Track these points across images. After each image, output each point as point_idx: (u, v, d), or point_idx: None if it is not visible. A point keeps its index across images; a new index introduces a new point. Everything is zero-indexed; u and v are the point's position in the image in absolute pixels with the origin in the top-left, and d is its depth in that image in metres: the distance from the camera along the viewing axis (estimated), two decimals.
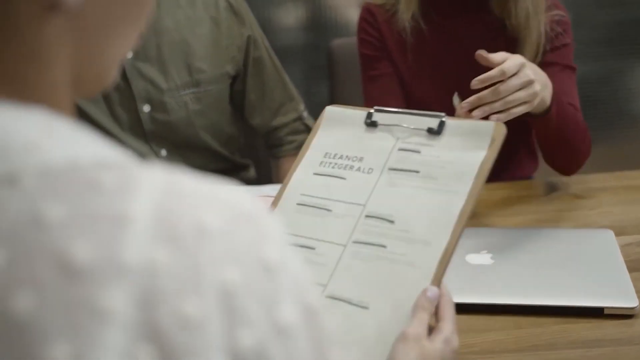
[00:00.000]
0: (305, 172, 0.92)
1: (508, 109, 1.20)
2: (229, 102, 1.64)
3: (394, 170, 0.87)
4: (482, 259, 1.16)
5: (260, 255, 0.41)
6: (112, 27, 0.46)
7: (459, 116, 1.20)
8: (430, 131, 0.88)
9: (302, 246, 0.85)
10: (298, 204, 0.89)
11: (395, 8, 1.53)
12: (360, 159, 0.91)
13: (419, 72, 1.56)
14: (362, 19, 1.61)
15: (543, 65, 1.42)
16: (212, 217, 0.40)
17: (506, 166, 1.65)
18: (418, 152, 0.87)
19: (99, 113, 1.51)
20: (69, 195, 0.38)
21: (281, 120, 1.68)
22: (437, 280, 0.78)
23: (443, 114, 0.88)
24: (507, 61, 1.19)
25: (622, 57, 2.56)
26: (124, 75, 1.50)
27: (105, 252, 0.37)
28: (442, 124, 0.88)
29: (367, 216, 0.85)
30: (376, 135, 0.92)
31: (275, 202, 0.91)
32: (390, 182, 0.87)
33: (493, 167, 1.57)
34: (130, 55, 1.49)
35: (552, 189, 1.50)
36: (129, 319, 0.37)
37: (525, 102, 1.21)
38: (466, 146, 0.85)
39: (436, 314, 0.77)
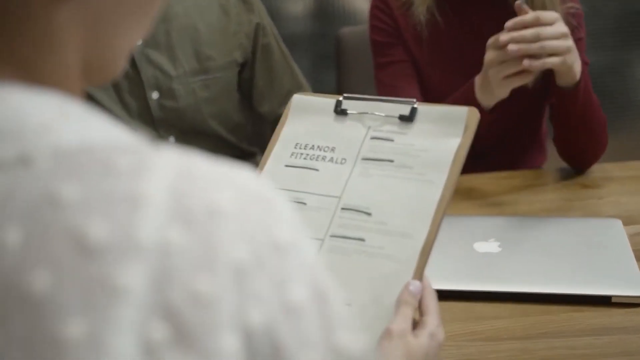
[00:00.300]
0: (276, 165, 0.89)
1: (542, 57, 1.22)
2: (237, 90, 1.64)
3: (367, 160, 0.85)
4: (490, 247, 1.16)
5: (272, 235, 0.41)
6: (122, 16, 0.46)
7: (522, 11, 1.25)
8: (402, 118, 0.86)
9: None
10: None
11: (411, 1, 1.53)
12: (332, 149, 0.88)
13: (435, 64, 1.55)
14: (374, 7, 1.60)
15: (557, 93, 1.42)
16: (224, 198, 0.40)
17: (514, 159, 1.65)
18: (391, 140, 0.85)
19: (108, 100, 1.52)
20: (84, 176, 0.39)
21: None
22: (419, 273, 0.76)
23: (414, 99, 0.86)
24: (543, 12, 1.23)
25: (631, 48, 2.56)
26: (132, 63, 1.50)
27: (120, 231, 0.38)
28: (413, 111, 0.85)
29: (343, 209, 0.83)
30: (347, 124, 0.89)
31: None
32: (364, 173, 0.84)
33: (500, 160, 1.61)
34: (139, 42, 1.50)
35: (560, 178, 1.49)
36: (143, 296, 0.37)
37: (559, 55, 1.23)
38: (440, 133, 0.83)
39: (419, 307, 0.76)
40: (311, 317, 0.41)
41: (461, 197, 1.41)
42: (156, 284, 0.37)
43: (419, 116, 0.86)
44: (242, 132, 1.68)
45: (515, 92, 1.49)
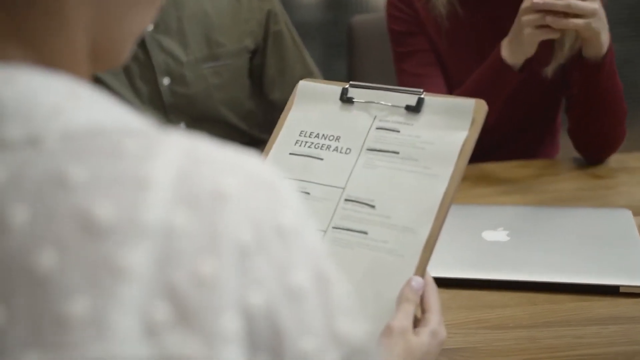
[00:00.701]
0: (280, 152, 0.88)
1: (567, 16, 1.25)
2: (247, 77, 1.64)
3: (372, 151, 0.84)
4: (498, 235, 1.16)
5: (276, 220, 0.41)
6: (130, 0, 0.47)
7: None
8: (408, 109, 0.85)
9: None
10: None
11: None
12: (337, 138, 0.86)
13: (455, 56, 1.54)
14: None
15: (578, 59, 1.42)
16: (230, 182, 0.41)
17: (528, 151, 1.64)
18: (397, 131, 0.84)
19: (119, 85, 1.52)
20: (92, 158, 0.39)
21: None
22: (422, 269, 0.75)
23: (421, 90, 0.85)
24: None
25: None
26: (144, 48, 1.50)
27: (126, 213, 0.38)
28: (420, 101, 0.84)
29: (346, 200, 0.82)
30: (352, 112, 0.88)
31: None
32: (369, 164, 0.83)
33: (514, 151, 1.60)
34: (150, 27, 1.50)
35: (573, 168, 1.49)
36: (147, 277, 0.37)
37: (584, 17, 1.25)
38: (446, 125, 0.82)
39: (421, 304, 0.75)
40: (312, 302, 0.41)
41: (472, 185, 1.41)
42: (160, 265, 0.38)
43: (425, 107, 0.84)
44: (253, 119, 1.68)
45: (531, 83, 1.49)
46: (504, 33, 1.39)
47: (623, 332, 0.94)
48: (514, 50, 1.38)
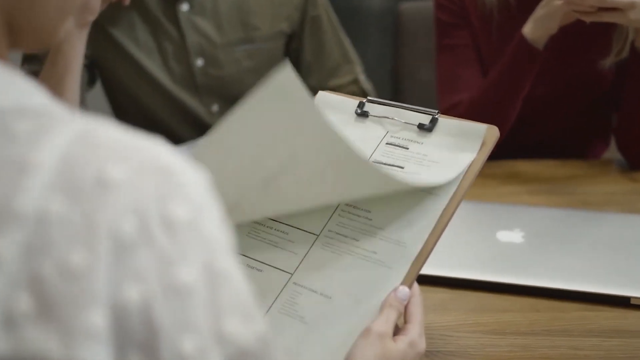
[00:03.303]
0: None
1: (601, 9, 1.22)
2: (282, 61, 1.62)
3: (378, 164, 0.84)
4: (513, 236, 1.12)
5: (165, 210, 0.40)
6: None
7: None
8: (421, 127, 0.85)
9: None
10: None
11: None
12: None
13: (504, 50, 1.50)
14: None
15: (632, 51, 1.37)
16: (117, 169, 0.39)
17: (578, 149, 1.58)
18: (406, 148, 0.84)
19: (153, 65, 1.53)
20: None
21: (337, 82, 1.66)
22: (409, 281, 0.75)
23: (436, 111, 0.85)
24: None
25: None
26: (178, 28, 1.50)
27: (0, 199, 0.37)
28: (434, 121, 0.85)
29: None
30: (365, 125, 0.88)
31: None
32: None
33: (562, 147, 1.55)
34: (185, 7, 1.50)
35: (609, 171, 1.44)
36: (13, 265, 0.36)
37: (619, 10, 1.22)
38: (456, 147, 0.82)
39: (405, 314, 0.73)
40: (198, 300, 0.40)
41: (499, 183, 1.37)
42: (28, 254, 0.36)
43: (438, 128, 0.85)
44: None
45: (587, 79, 1.45)
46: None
47: (625, 346, 0.90)
48: (538, 25, 1.35)
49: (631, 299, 0.98)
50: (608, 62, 1.41)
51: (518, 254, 1.08)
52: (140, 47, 1.51)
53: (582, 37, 1.43)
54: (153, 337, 0.38)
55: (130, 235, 0.38)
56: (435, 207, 0.78)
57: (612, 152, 1.59)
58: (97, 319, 0.37)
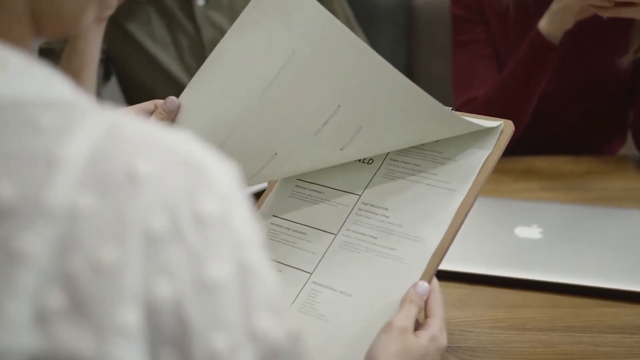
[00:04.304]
0: None
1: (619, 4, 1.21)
2: None
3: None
4: (531, 232, 1.11)
5: (195, 205, 0.39)
6: None
7: None
8: None
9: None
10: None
11: None
12: None
13: (519, 46, 1.49)
14: None
15: None
16: (147, 163, 0.39)
17: (594, 144, 1.58)
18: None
19: (169, 59, 1.53)
20: (3, 132, 0.38)
21: None
22: (428, 276, 0.75)
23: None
24: None
25: None
26: (194, 23, 1.50)
27: (28, 193, 0.36)
28: None
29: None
30: None
31: (271, 187, 0.89)
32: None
33: (577, 143, 1.54)
34: (202, 2, 1.50)
35: (625, 167, 1.43)
36: (44, 262, 0.36)
37: (638, 5, 1.21)
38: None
39: (425, 309, 0.73)
40: (229, 296, 0.39)
41: (516, 179, 1.37)
42: (59, 250, 0.36)
43: None
44: None
45: (605, 75, 1.44)
46: (574, 25, 1.35)
47: None
48: (553, 20, 1.34)
49: None
50: (626, 60, 1.41)
51: (536, 250, 1.08)
52: (156, 42, 1.51)
53: (599, 34, 1.43)
54: (185, 334, 0.38)
55: (161, 231, 0.38)
56: (452, 202, 0.78)
57: (628, 148, 1.58)
58: (130, 316, 0.36)
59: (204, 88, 0.83)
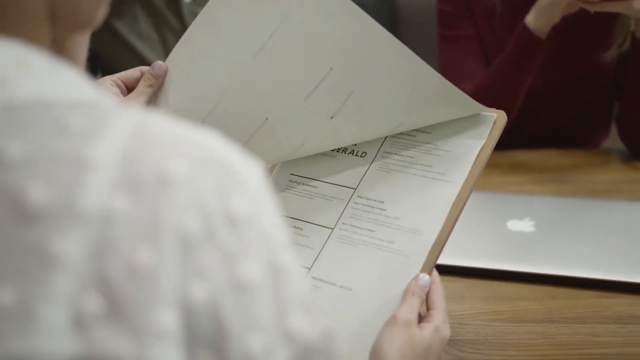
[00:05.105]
0: None
1: None
2: None
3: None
4: (524, 225, 1.13)
5: (227, 205, 0.39)
6: None
7: None
8: None
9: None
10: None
11: None
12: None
13: (507, 40, 1.50)
14: None
15: (632, 41, 1.38)
16: (178, 164, 0.38)
17: (579, 137, 1.59)
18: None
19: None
20: (31, 134, 0.37)
21: None
22: (428, 268, 0.75)
23: None
24: None
25: None
26: (181, 20, 1.50)
27: (61, 196, 0.36)
28: None
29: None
30: None
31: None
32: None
33: (563, 138, 1.55)
34: (189, 0, 1.49)
35: (612, 160, 1.45)
36: (80, 266, 0.35)
37: (623, 0, 1.23)
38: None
39: (426, 302, 0.74)
40: (263, 296, 0.39)
41: (504, 173, 1.38)
42: (95, 253, 0.36)
43: None
44: None
45: (590, 70, 1.46)
46: (560, 20, 1.36)
47: None
48: (540, 14, 1.36)
49: None
50: (610, 54, 1.42)
51: (530, 242, 1.09)
52: (143, 40, 1.50)
53: (585, 29, 1.44)
54: (221, 335, 0.38)
55: (195, 232, 0.38)
56: (448, 194, 0.78)
57: (611, 140, 1.60)
58: (167, 318, 0.36)
59: (193, 52, 0.82)
